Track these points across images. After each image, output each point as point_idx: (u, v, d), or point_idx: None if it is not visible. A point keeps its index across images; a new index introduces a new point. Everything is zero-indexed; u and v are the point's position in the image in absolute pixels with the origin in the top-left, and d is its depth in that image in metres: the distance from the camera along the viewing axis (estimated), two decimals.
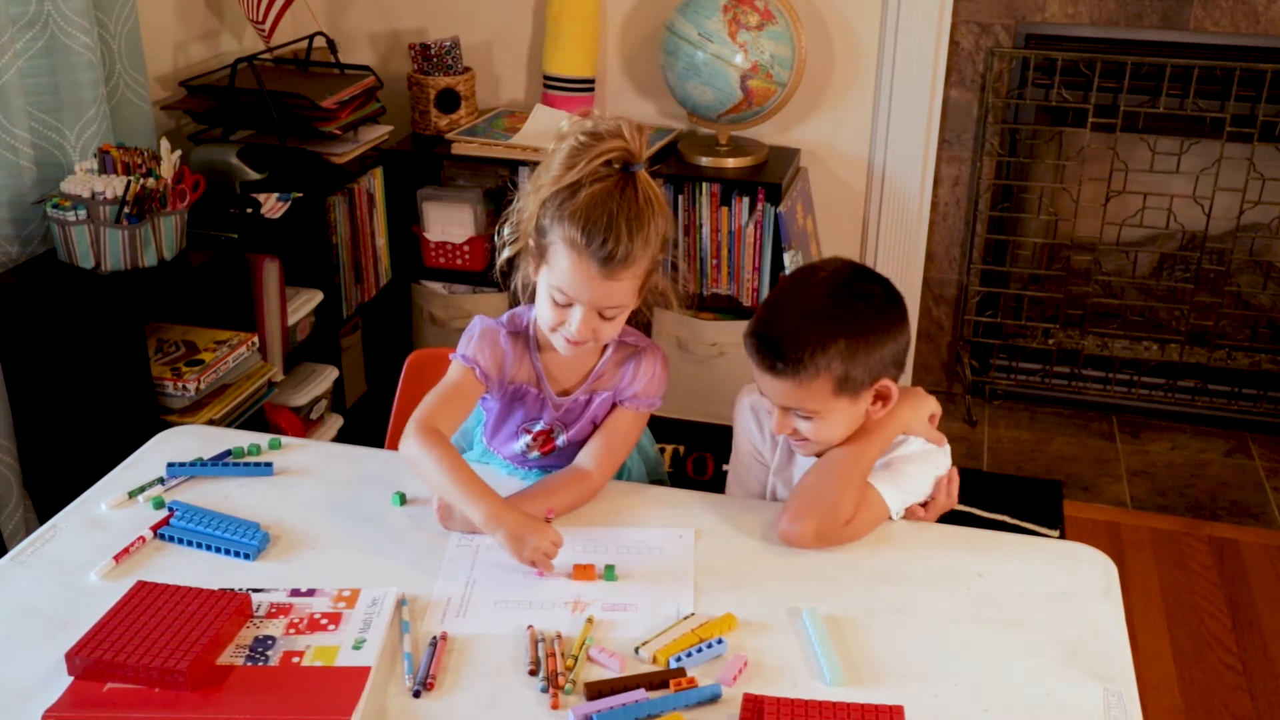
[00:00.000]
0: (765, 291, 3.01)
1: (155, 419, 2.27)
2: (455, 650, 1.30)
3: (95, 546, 1.47)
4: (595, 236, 1.43)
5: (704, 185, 2.96)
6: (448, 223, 3.12)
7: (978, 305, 3.34)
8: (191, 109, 2.80)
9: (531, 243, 1.52)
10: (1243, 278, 3.26)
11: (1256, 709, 2.31)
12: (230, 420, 2.42)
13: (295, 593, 1.38)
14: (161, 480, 1.61)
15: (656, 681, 1.24)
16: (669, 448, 2.93)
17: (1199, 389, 3.28)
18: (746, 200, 2.95)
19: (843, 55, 3.13)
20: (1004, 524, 2.77)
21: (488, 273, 1.63)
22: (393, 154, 3.10)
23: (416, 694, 1.23)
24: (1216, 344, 3.32)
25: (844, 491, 1.49)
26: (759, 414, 1.68)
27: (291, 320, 2.73)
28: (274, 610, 1.35)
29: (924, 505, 1.60)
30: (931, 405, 1.61)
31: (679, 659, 1.28)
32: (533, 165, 1.54)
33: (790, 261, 2.87)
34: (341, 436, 2.91)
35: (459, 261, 3.15)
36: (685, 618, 1.35)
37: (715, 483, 1.84)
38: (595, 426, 1.63)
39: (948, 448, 1.63)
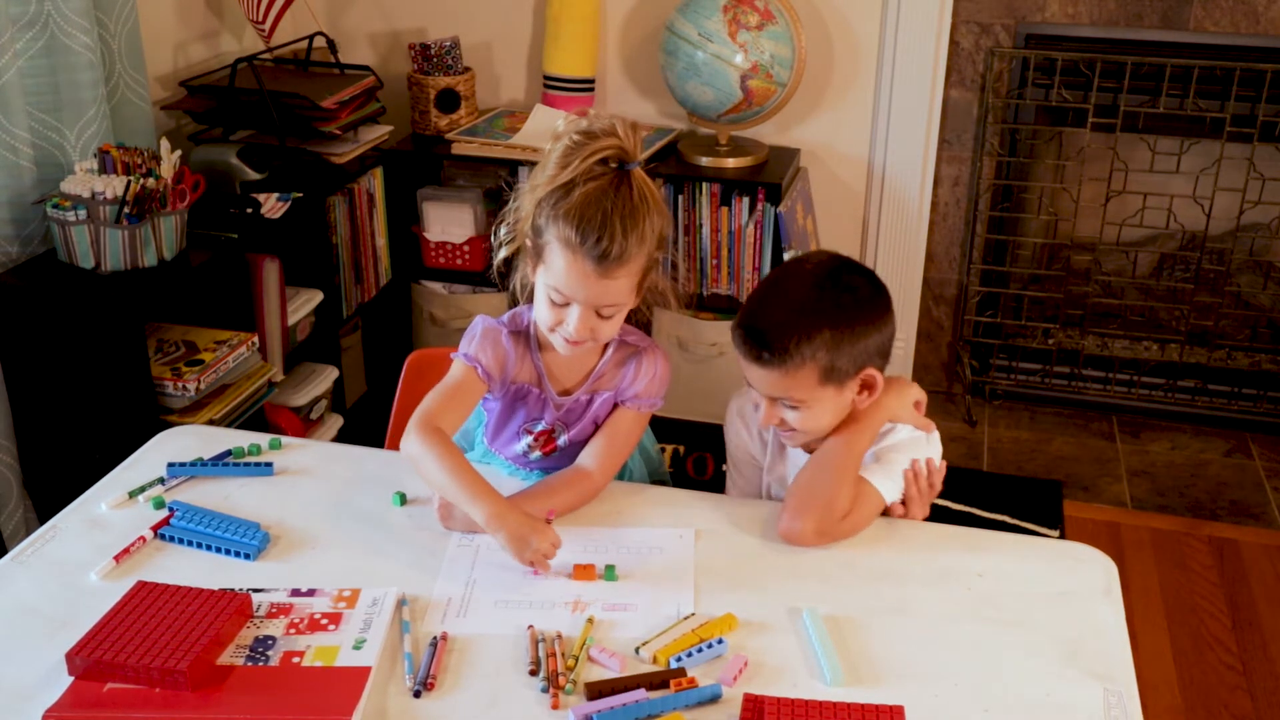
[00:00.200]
0: None
1: (155, 419, 2.27)
2: (455, 650, 1.30)
3: (95, 546, 1.47)
4: (590, 235, 1.43)
5: (704, 185, 2.96)
6: (448, 223, 3.13)
7: (978, 305, 3.34)
8: (191, 109, 2.81)
9: (528, 243, 1.53)
10: (1243, 278, 3.26)
11: (1256, 709, 2.31)
12: (230, 420, 2.42)
13: (295, 593, 1.38)
14: (162, 480, 1.61)
15: (657, 681, 1.24)
16: (669, 448, 2.93)
17: (1199, 389, 3.28)
18: (746, 200, 2.95)
19: (843, 55, 3.13)
20: (1004, 524, 2.78)
21: (487, 273, 1.63)
22: (393, 154, 3.10)
23: (417, 694, 1.23)
24: (1216, 344, 3.32)
25: (839, 485, 1.50)
26: (746, 418, 1.70)
27: (291, 320, 2.73)
28: (274, 610, 1.35)
29: (902, 502, 1.60)
30: (916, 392, 1.63)
31: (679, 659, 1.28)
32: (532, 165, 1.54)
33: None
34: (341, 436, 2.91)
35: (459, 261, 3.15)
36: (685, 618, 1.35)
37: (715, 483, 1.84)
38: (597, 426, 1.63)
39: (936, 434, 1.64)
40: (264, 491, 1.60)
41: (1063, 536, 2.73)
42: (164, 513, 1.53)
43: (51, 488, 2.31)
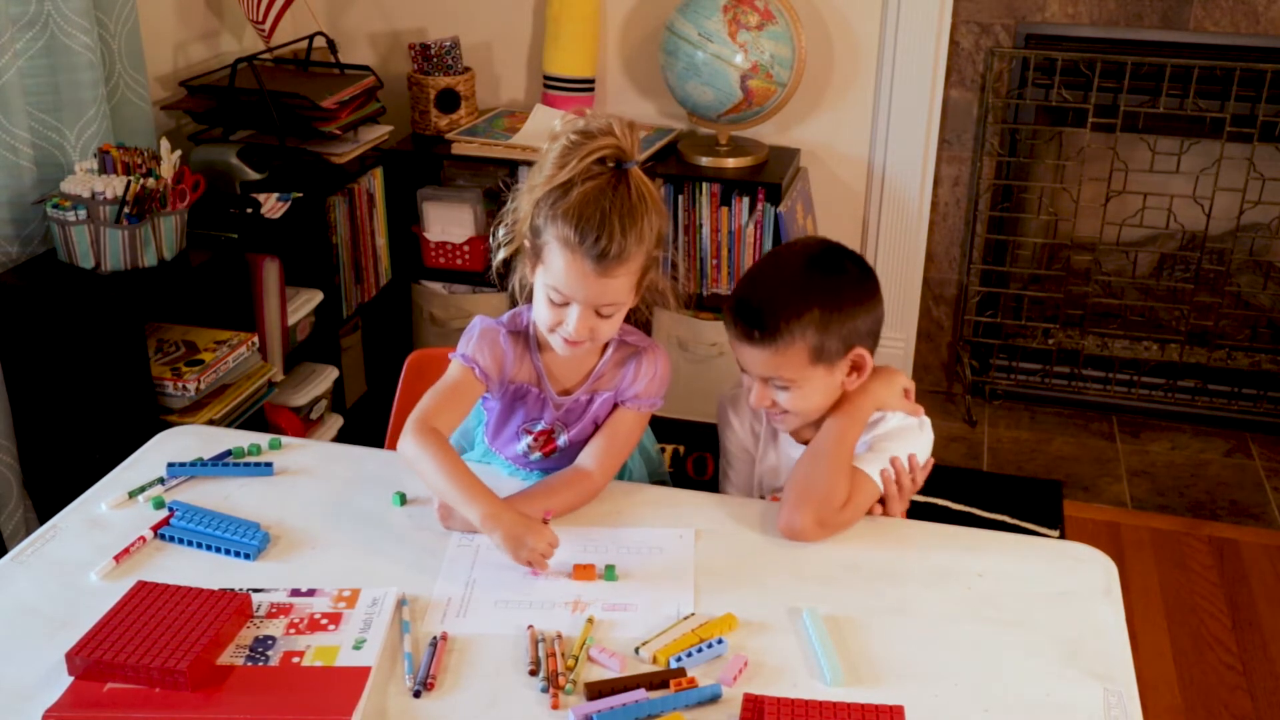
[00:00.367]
0: None
1: (155, 419, 2.27)
2: (455, 650, 1.30)
3: (95, 546, 1.46)
4: (588, 234, 1.43)
5: (704, 185, 2.97)
6: (448, 223, 3.13)
7: (978, 305, 3.34)
8: (191, 109, 2.81)
9: (527, 243, 1.53)
10: (1243, 278, 3.26)
11: (1256, 709, 2.31)
12: (230, 420, 2.42)
13: (295, 593, 1.38)
14: (161, 480, 1.61)
15: (657, 681, 1.24)
16: (669, 448, 2.92)
17: (1199, 389, 3.28)
18: (746, 200, 2.95)
19: (843, 55, 3.13)
20: (1004, 524, 2.77)
21: (487, 273, 1.63)
22: (393, 154, 3.10)
23: (417, 694, 1.23)
24: (1216, 344, 3.32)
25: (835, 475, 1.52)
26: (738, 410, 1.73)
27: (291, 320, 2.73)
28: (274, 610, 1.35)
29: (881, 501, 1.60)
30: (904, 380, 1.65)
31: (679, 659, 1.28)
32: (532, 166, 1.54)
33: None
34: (341, 436, 2.91)
35: (459, 261, 3.15)
36: (685, 618, 1.35)
37: (715, 483, 1.85)
38: (597, 427, 1.63)
39: (928, 420, 1.65)
40: (264, 491, 1.60)
41: (1063, 536, 2.73)
42: (164, 513, 1.53)
43: (51, 488, 2.31)
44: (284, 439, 1.72)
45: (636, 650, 1.30)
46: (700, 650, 1.28)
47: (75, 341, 2.23)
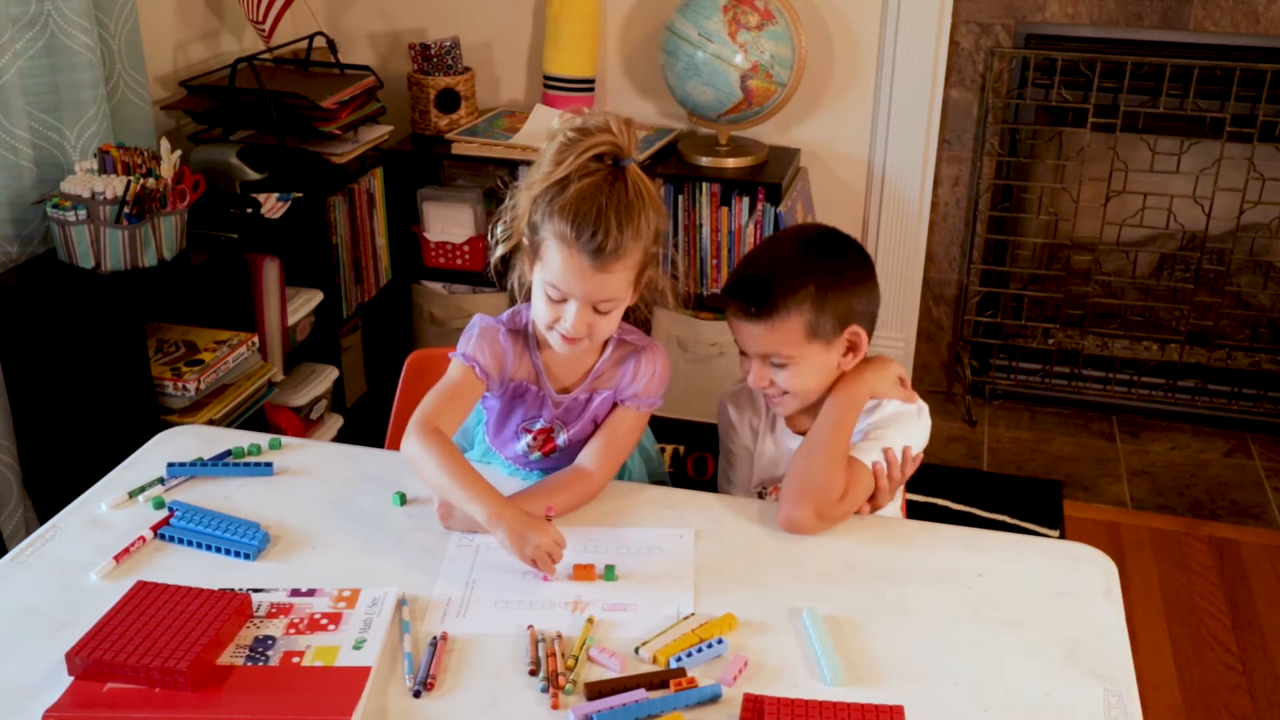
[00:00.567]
0: None
1: (155, 419, 2.27)
2: (455, 650, 1.30)
3: (95, 546, 1.47)
4: (585, 229, 1.43)
5: (704, 185, 2.96)
6: (448, 223, 3.13)
7: (978, 305, 3.34)
8: (191, 109, 2.81)
9: (525, 240, 1.53)
10: (1243, 278, 3.26)
11: (1256, 709, 2.31)
12: (230, 420, 2.42)
13: (295, 593, 1.38)
14: (161, 480, 1.61)
15: (657, 681, 1.24)
16: (669, 448, 2.92)
17: (1199, 389, 3.28)
18: (746, 200, 2.95)
19: (843, 55, 3.13)
20: (1004, 524, 2.78)
21: (487, 272, 1.64)
22: (393, 154, 3.10)
23: (417, 694, 1.23)
24: (1216, 344, 3.32)
25: (832, 466, 1.53)
26: (740, 405, 1.75)
27: (291, 320, 2.73)
28: (274, 610, 1.35)
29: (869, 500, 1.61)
30: (897, 368, 1.66)
31: (679, 659, 1.28)
32: (531, 164, 1.54)
33: None
34: (341, 436, 2.91)
35: (459, 261, 3.15)
36: (685, 618, 1.35)
37: (715, 483, 1.85)
38: (596, 426, 1.63)
39: (924, 406, 1.66)
40: (264, 491, 1.60)
41: (1063, 536, 2.73)
42: (164, 513, 1.53)
43: (51, 488, 2.31)
44: (284, 439, 1.72)
45: (636, 650, 1.30)
46: (700, 650, 1.28)
47: (75, 341, 2.23)
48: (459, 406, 1.57)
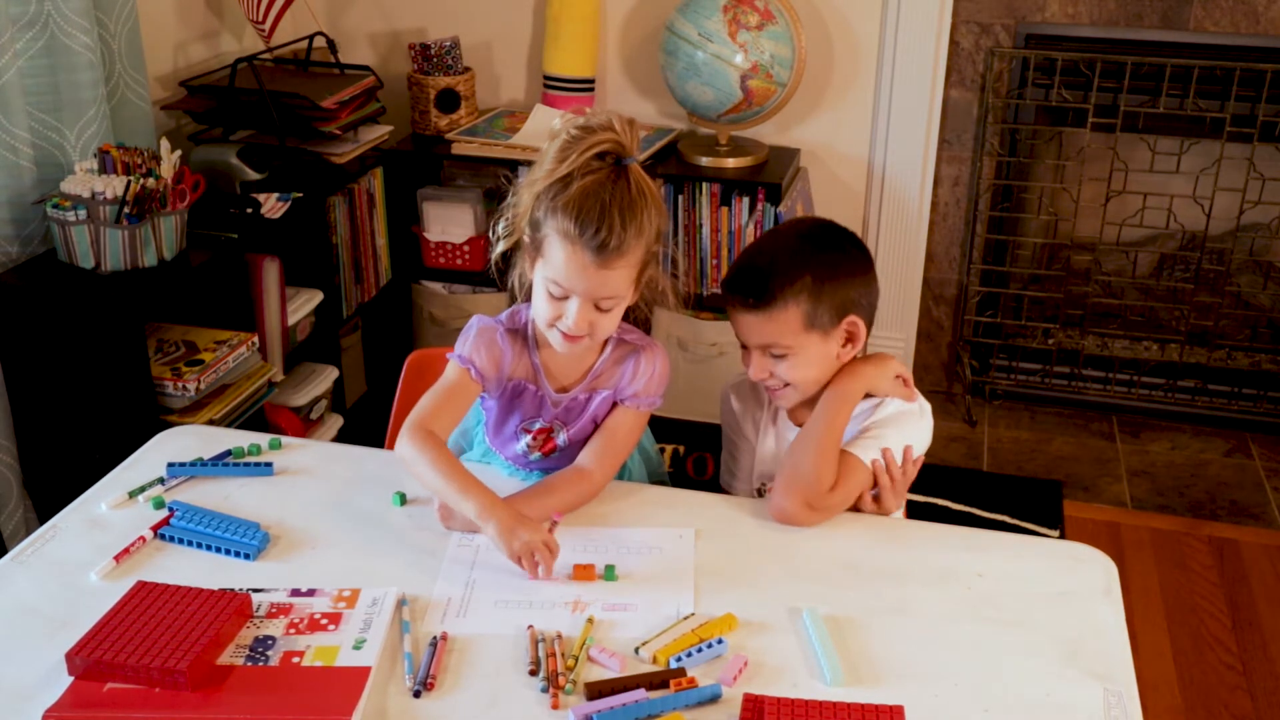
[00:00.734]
0: None
1: (155, 419, 2.27)
2: (455, 650, 1.30)
3: (95, 546, 1.47)
4: (589, 226, 1.43)
5: (704, 185, 2.97)
6: (448, 223, 3.13)
7: (978, 305, 3.34)
8: (191, 109, 2.81)
9: (526, 238, 1.53)
10: (1243, 278, 3.26)
11: (1256, 709, 2.31)
12: (230, 420, 2.42)
13: (295, 593, 1.38)
14: (161, 480, 1.61)
15: (657, 681, 1.24)
16: (669, 448, 2.92)
17: (1199, 389, 3.28)
18: (746, 200, 2.95)
19: (843, 55, 3.13)
20: (1004, 524, 2.78)
21: (487, 272, 1.64)
22: (393, 154, 3.10)
23: (417, 694, 1.23)
24: (1216, 344, 3.32)
25: (821, 458, 1.53)
26: (742, 397, 1.76)
27: (291, 320, 2.73)
28: (274, 610, 1.35)
29: (875, 498, 1.61)
30: (896, 366, 1.66)
31: (679, 659, 1.28)
32: (532, 165, 1.54)
33: None
34: (341, 436, 2.91)
35: (459, 261, 3.15)
36: (685, 618, 1.35)
37: (715, 483, 1.85)
38: (596, 426, 1.62)
39: (927, 405, 1.67)
40: (264, 491, 1.60)
41: (1063, 536, 2.73)
42: (164, 513, 1.53)
43: (51, 488, 2.31)
44: (284, 439, 1.72)
45: (636, 650, 1.30)
46: (700, 650, 1.28)
47: (75, 341, 2.23)
48: (454, 408, 1.58)
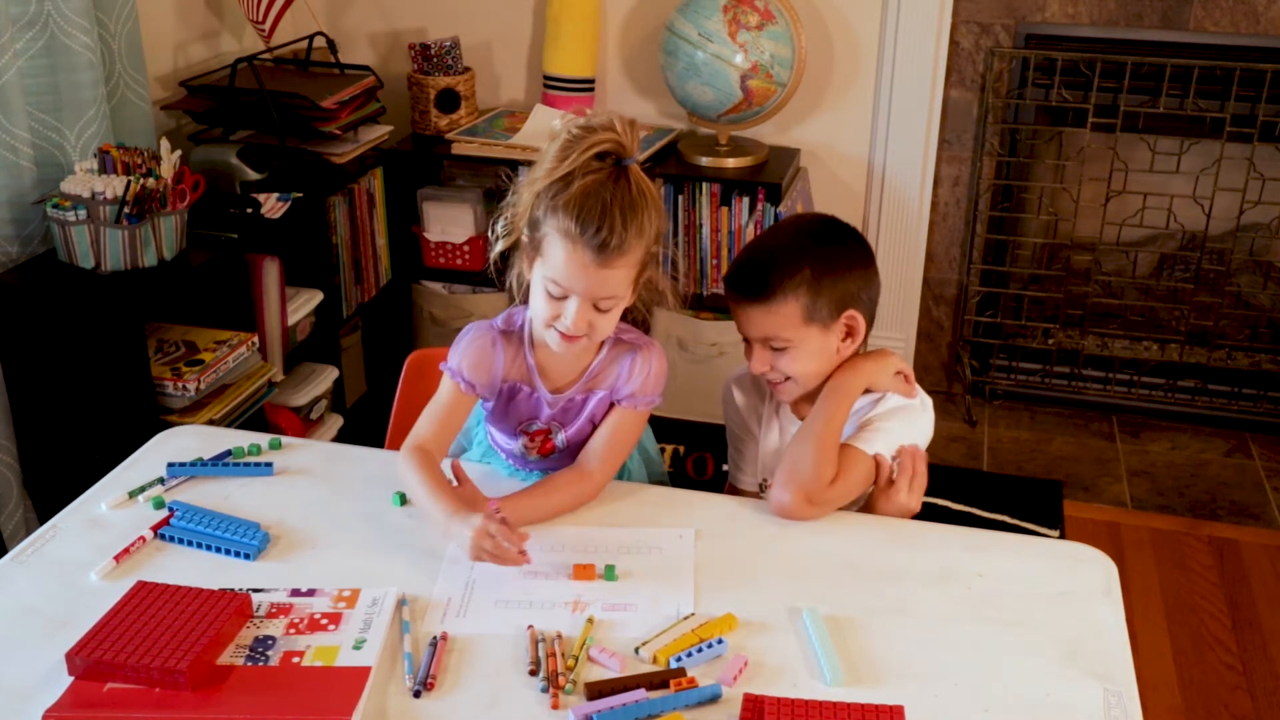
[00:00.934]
0: None
1: (155, 419, 2.27)
2: (455, 650, 1.30)
3: (95, 546, 1.47)
4: (589, 225, 1.43)
5: (704, 185, 2.97)
6: (448, 223, 3.13)
7: (978, 305, 3.34)
8: (191, 109, 2.81)
9: (525, 238, 1.52)
10: (1243, 278, 3.26)
11: (1256, 709, 2.31)
12: (230, 420, 2.42)
13: (295, 593, 1.38)
14: (161, 480, 1.61)
15: (657, 681, 1.24)
16: (669, 448, 2.93)
17: (1199, 389, 3.28)
18: (746, 200, 2.95)
19: (843, 55, 3.13)
20: (1004, 524, 2.78)
21: (487, 272, 1.64)
22: (393, 154, 3.10)
23: (417, 694, 1.23)
24: (1216, 344, 3.32)
25: (821, 452, 1.54)
26: (745, 389, 1.77)
27: (291, 320, 2.73)
28: (274, 610, 1.35)
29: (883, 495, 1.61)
30: (897, 362, 1.67)
31: (679, 659, 1.28)
32: (532, 165, 1.54)
33: None
34: (341, 436, 2.91)
35: (459, 261, 3.15)
36: (685, 618, 1.35)
37: (715, 483, 1.85)
38: (594, 426, 1.62)
39: (928, 399, 1.68)
40: (264, 491, 1.60)
41: (1063, 536, 2.73)
42: (164, 513, 1.53)
43: (51, 488, 2.31)
44: (284, 439, 1.72)
45: (636, 650, 1.30)
46: (700, 650, 1.28)
47: (75, 341, 2.23)
48: (447, 424, 1.59)
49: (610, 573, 1.42)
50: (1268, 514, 2.93)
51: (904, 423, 1.62)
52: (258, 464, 1.64)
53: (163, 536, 1.49)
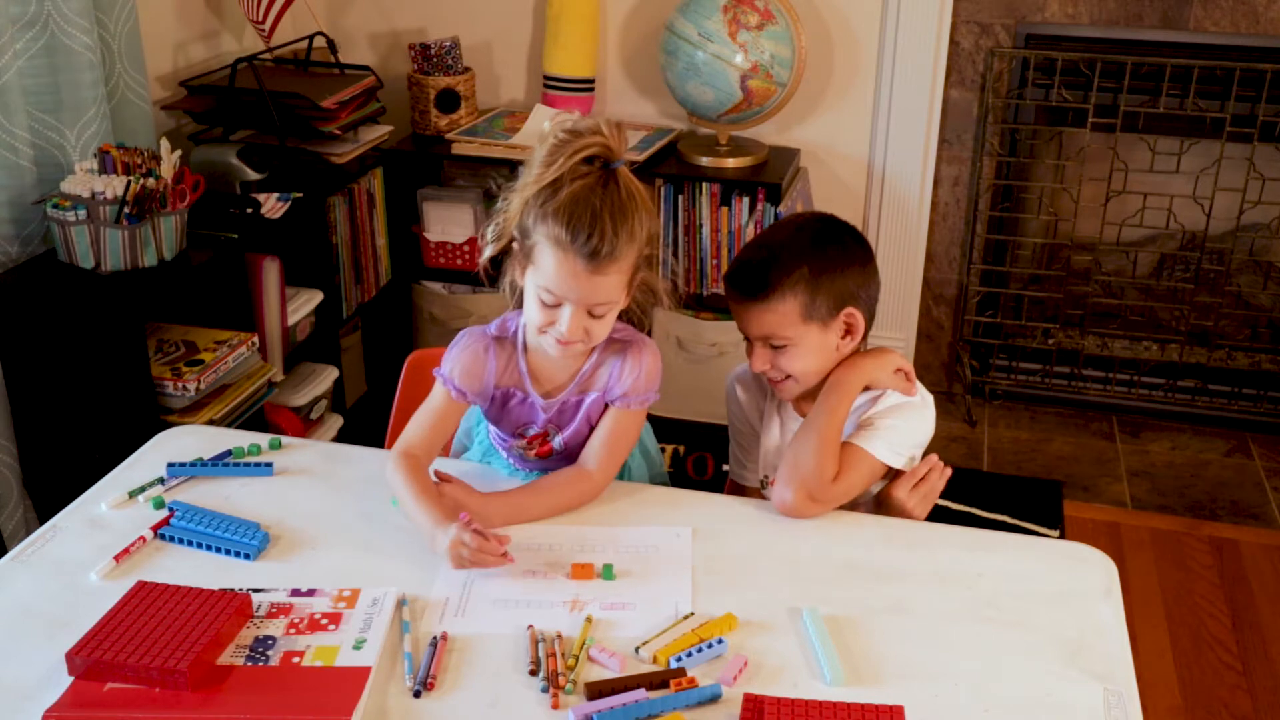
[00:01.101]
0: None
1: (155, 419, 2.27)
2: (455, 650, 1.30)
3: (95, 546, 1.46)
4: (580, 232, 1.42)
5: (704, 185, 2.96)
6: (448, 223, 3.13)
7: (978, 305, 3.34)
8: (191, 109, 2.81)
9: (516, 245, 1.51)
10: (1243, 278, 3.26)
11: (1256, 709, 2.31)
12: (230, 420, 2.42)
13: (295, 593, 1.38)
14: (162, 480, 1.61)
15: (657, 681, 1.24)
16: (669, 448, 2.93)
17: (1199, 389, 3.28)
18: (746, 200, 2.95)
19: (843, 55, 3.13)
20: (1004, 524, 2.78)
21: (478, 277, 1.64)
22: (393, 154, 3.10)
23: (417, 694, 1.23)
24: (1216, 344, 3.32)
25: (822, 449, 1.55)
26: (747, 385, 1.78)
27: (291, 320, 2.73)
28: (274, 610, 1.35)
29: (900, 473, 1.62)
30: (897, 359, 1.67)
31: (679, 659, 1.28)
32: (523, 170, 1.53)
33: None
34: (341, 436, 2.91)
35: (459, 261, 3.15)
36: (685, 617, 1.35)
37: (715, 483, 1.85)
38: (591, 427, 1.62)
39: (929, 396, 1.68)
40: (264, 491, 1.60)
41: (1063, 536, 2.73)
42: (164, 513, 1.53)
43: (51, 488, 2.31)
44: (284, 439, 1.72)
45: (636, 650, 1.30)
46: (700, 650, 1.28)
47: (75, 341, 2.23)
48: (437, 429, 1.59)
49: (608, 572, 1.42)
50: (1268, 514, 2.93)
51: (904, 420, 1.62)
52: (258, 464, 1.64)
53: (163, 536, 1.49)
